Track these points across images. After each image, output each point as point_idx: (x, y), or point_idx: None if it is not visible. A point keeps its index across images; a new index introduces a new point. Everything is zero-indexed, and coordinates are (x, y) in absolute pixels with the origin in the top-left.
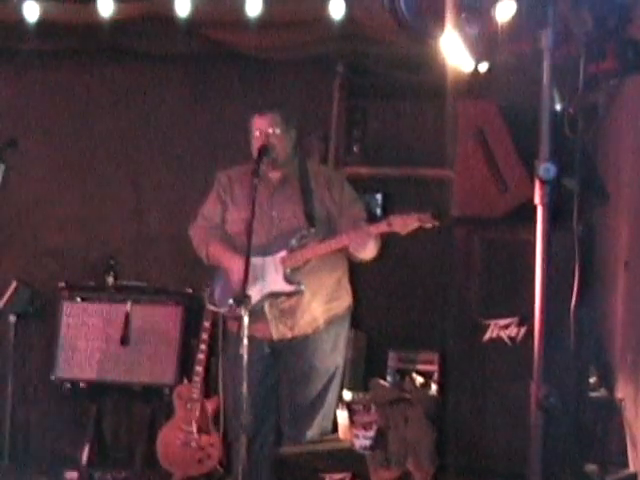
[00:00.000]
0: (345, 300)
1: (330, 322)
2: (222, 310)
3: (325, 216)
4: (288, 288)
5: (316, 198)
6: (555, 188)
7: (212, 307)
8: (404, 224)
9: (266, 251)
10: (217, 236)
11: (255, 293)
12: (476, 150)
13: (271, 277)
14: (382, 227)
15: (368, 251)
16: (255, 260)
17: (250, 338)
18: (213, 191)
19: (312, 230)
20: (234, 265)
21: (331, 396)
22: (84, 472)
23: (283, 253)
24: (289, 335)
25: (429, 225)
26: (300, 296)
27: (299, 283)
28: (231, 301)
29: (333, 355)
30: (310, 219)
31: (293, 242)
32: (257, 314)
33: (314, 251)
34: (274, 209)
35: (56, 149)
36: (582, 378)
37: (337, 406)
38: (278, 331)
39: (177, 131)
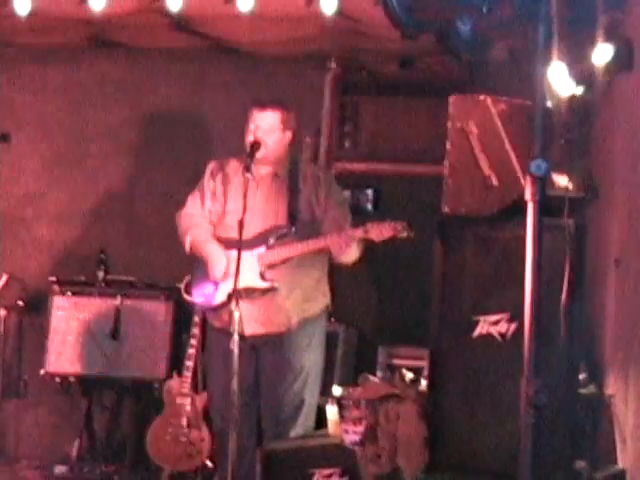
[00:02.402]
0: (321, 302)
1: (303, 322)
2: (196, 301)
3: (309, 216)
4: (261, 284)
5: (302, 198)
6: (546, 185)
7: (187, 297)
8: (379, 232)
9: (246, 246)
10: (201, 226)
11: (230, 287)
12: (468, 146)
13: (246, 272)
14: (358, 233)
15: (349, 255)
16: (234, 253)
17: (223, 331)
18: (202, 179)
19: (292, 229)
20: (214, 257)
21: (310, 395)
22: (74, 466)
23: (261, 249)
24: (261, 331)
25: (404, 235)
26: (274, 293)
27: (273, 280)
28: (206, 292)
29: (309, 353)
30: (292, 218)
31: (271, 240)
32: (230, 308)
33: (291, 251)
34: (259, 205)
35: (48, 143)
36: (572, 374)
37: (317, 406)
38: (250, 326)
39: (170, 126)
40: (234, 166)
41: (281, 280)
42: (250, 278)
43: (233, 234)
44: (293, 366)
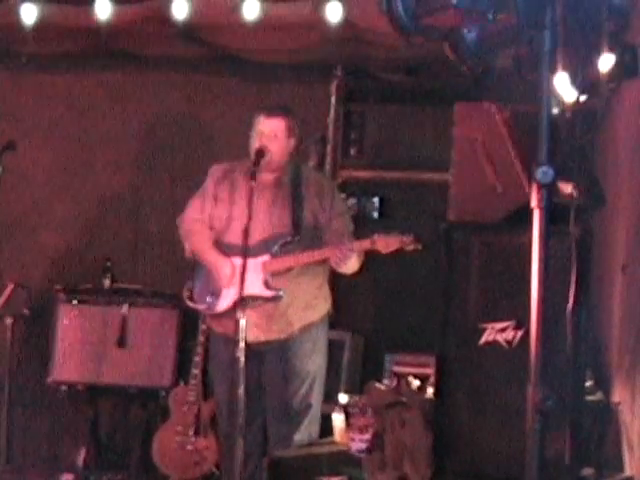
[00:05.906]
0: (322, 309)
1: (305, 329)
2: (199, 307)
3: (312, 224)
4: (266, 293)
5: (306, 206)
6: (552, 192)
7: (190, 303)
8: (386, 244)
9: (250, 253)
10: (202, 232)
11: (233, 293)
12: (473, 153)
13: (251, 280)
14: (365, 244)
15: (349, 266)
16: (237, 261)
17: (225, 337)
18: (205, 183)
19: (297, 238)
20: (218, 264)
21: (315, 400)
22: (80, 475)
23: (265, 258)
24: (262, 338)
25: (410, 247)
26: (278, 301)
27: (278, 289)
28: (209, 299)
29: (314, 357)
30: (296, 227)
31: (276, 248)
32: (233, 314)
33: (296, 260)
34: (262, 212)
35: (54, 152)
36: (579, 382)
37: (320, 411)
38: (252, 333)
39: (175, 134)
40: (235, 171)
41: (283, 288)
42: (254, 286)
43: (237, 240)
44: (299, 371)
